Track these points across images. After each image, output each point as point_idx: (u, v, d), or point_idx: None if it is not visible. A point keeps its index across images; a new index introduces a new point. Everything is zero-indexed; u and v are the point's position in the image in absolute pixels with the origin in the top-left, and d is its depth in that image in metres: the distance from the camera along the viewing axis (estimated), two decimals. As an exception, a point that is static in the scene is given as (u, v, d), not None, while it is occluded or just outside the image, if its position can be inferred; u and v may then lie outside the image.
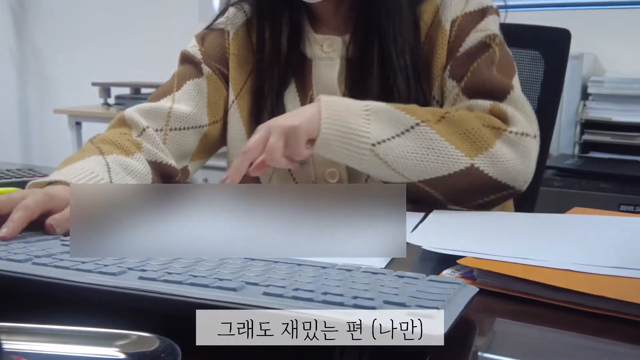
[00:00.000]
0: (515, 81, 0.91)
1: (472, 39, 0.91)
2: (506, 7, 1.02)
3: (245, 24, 1.02)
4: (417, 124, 0.82)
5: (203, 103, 1.00)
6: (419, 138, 0.81)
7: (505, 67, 0.91)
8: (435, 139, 0.81)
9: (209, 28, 1.05)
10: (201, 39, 1.04)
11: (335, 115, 0.81)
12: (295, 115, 0.82)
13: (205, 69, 1.01)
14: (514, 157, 0.84)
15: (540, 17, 1.43)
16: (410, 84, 0.91)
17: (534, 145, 0.86)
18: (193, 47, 1.03)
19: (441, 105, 0.94)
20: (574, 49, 1.25)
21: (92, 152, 0.86)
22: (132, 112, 0.96)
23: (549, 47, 1.24)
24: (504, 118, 0.85)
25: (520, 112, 0.87)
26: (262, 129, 0.81)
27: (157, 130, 0.95)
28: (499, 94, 0.87)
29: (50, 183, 0.75)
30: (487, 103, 0.87)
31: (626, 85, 2.05)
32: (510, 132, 0.84)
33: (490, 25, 0.93)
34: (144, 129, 0.93)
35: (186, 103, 0.98)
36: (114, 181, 0.82)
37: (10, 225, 0.61)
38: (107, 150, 0.87)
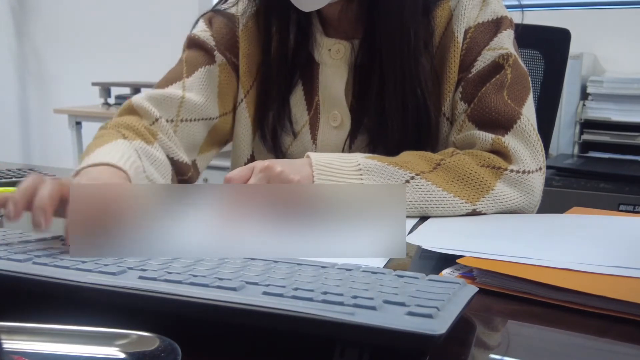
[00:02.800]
0: (527, 105, 0.87)
1: (485, 58, 0.88)
2: (521, 7, 0.98)
3: (255, 14, 0.97)
4: (412, 178, 0.80)
5: (214, 93, 0.97)
6: (416, 192, 0.79)
7: (516, 90, 0.87)
8: (432, 190, 0.79)
9: (215, 11, 1.00)
10: (209, 22, 0.99)
11: (327, 180, 0.79)
12: (294, 170, 0.79)
13: (219, 57, 0.97)
14: (517, 196, 0.82)
15: (540, 17, 1.43)
16: (419, 97, 0.89)
17: (537, 180, 0.84)
18: (203, 32, 0.98)
19: (451, 123, 0.92)
20: (573, 49, 1.25)
21: (114, 136, 0.83)
22: (141, 100, 0.92)
23: (549, 47, 1.24)
24: (505, 155, 0.83)
25: (525, 144, 0.84)
26: (259, 169, 0.77)
27: (168, 120, 0.92)
28: (505, 123, 0.85)
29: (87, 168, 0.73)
30: (489, 137, 0.84)
31: (625, 85, 2.06)
32: (512, 171, 0.82)
33: (504, 42, 0.89)
34: (156, 119, 0.90)
35: (197, 92, 0.95)
36: (145, 169, 0.81)
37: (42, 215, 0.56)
38: (130, 136, 0.84)
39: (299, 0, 0.86)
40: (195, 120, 0.94)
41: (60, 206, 0.58)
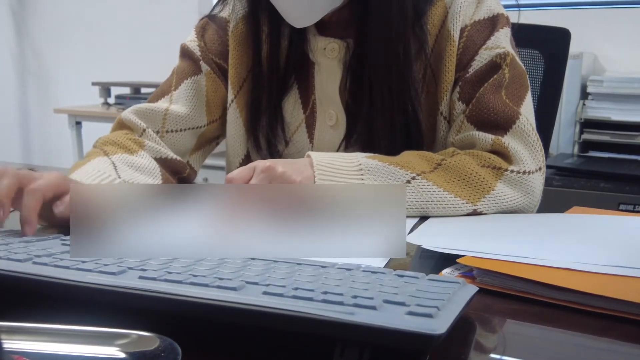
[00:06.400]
0: (525, 104, 0.87)
1: (482, 57, 0.88)
2: (518, 6, 0.99)
3: (246, 16, 0.98)
4: (413, 178, 0.80)
5: (201, 103, 0.99)
6: (417, 192, 0.79)
7: (514, 89, 0.87)
8: (433, 190, 0.79)
9: (209, 17, 1.02)
10: (201, 30, 1.01)
11: (328, 180, 0.79)
12: (296, 171, 0.79)
13: (204, 66, 0.99)
14: (517, 196, 0.82)
15: (540, 17, 1.43)
16: (409, 113, 0.89)
17: (537, 180, 0.84)
18: (192, 42, 1.01)
19: (449, 122, 0.92)
20: (573, 48, 1.26)
21: (96, 154, 0.88)
22: (129, 114, 0.96)
23: (549, 46, 1.24)
24: (505, 155, 0.83)
25: (525, 144, 0.84)
26: (261, 169, 0.77)
27: (154, 131, 0.96)
28: (504, 124, 0.85)
29: None
30: (489, 138, 0.84)
31: (625, 84, 2.06)
32: (512, 171, 0.82)
33: (501, 41, 0.89)
34: (144, 130, 0.95)
35: (183, 104, 0.98)
36: (123, 178, 0.83)
37: (27, 218, 0.63)
38: (111, 151, 0.88)
39: (291, 17, 0.88)
40: (181, 130, 0.98)
41: (18, 197, 0.64)
